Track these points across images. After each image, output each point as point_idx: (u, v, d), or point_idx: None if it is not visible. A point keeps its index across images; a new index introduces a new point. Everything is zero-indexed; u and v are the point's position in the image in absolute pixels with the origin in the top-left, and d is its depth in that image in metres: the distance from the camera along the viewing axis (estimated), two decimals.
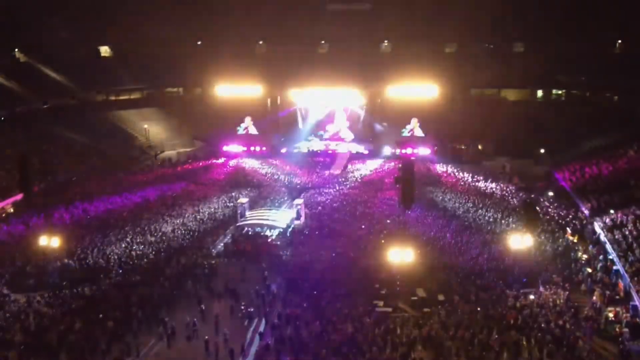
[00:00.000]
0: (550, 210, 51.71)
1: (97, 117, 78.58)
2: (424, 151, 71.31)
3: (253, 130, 77.61)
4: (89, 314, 34.90)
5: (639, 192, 47.64)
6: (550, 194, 56.75)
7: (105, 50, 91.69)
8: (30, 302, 36.83)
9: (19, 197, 52.59)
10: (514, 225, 46.99)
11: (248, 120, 76.96)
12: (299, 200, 53.89)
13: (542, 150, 69.44)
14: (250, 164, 72.08)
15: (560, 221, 48.52)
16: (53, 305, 36.42)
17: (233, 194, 60.34)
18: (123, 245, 45.29)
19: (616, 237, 41.23)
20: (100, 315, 34.71)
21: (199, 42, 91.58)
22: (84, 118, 75.82)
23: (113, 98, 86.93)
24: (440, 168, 68.24)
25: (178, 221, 51.70)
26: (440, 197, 58.05)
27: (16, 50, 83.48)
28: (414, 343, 31.39)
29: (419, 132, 74.00)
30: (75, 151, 69.39)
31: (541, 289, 37.89)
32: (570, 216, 49.28)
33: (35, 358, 30.46)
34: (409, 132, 73.40)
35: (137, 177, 66.31)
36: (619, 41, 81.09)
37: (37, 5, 77.90)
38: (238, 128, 77.27)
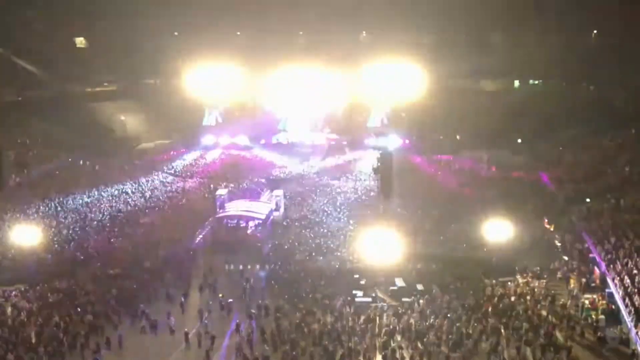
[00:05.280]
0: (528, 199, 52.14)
1: (73, 109, 77.40)
2: (401, 141, 71.51)
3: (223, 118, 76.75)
4: (67, 308, 34.63)
5: (614, 181, 48.28)
6: None
7: (80, 42, 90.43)
8: (7, 296, 36.51)
9: None
10: (491, 215, 47.26)
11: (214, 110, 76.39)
12: (278, 192, 53.73)
13: (520, 140, 69.88)
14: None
15: (537, 210, 48.96)
16: (30, 299, 36.09)
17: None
18: (100, 238, 44.92)
19: (592, 225, 41.74)
20: (78, 309, 34.45)
21: (176, 33, 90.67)
22: (59, 110, 74.62)
23: (89, 90, 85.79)
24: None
25: (157, 212, 51.40)
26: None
27: None
28: (394, 332, 31.60)
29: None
30: (51, 144, 68.41)
31: (518, 277, 38.32)
32: (548, 206, 49.77)
33: (12, 352, 30.09)
34: (379, 121, 73.40)
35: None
36: (595, 32, 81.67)
37: None
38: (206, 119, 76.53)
